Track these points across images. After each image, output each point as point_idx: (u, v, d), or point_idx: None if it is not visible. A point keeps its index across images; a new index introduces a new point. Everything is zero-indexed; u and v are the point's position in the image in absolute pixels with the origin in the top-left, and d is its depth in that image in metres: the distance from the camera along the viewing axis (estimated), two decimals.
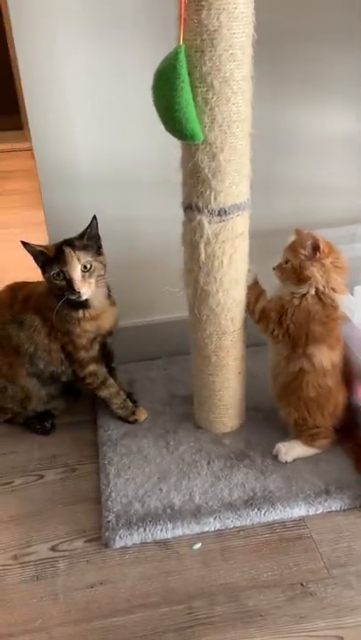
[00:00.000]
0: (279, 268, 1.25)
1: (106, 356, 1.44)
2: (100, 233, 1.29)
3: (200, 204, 1.11)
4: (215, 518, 1.17)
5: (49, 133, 1.37)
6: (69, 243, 1.24)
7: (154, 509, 1.19)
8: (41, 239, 1.36)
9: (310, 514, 1.19)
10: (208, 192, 1.09)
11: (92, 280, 1.25)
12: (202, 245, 1.15)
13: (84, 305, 1.29)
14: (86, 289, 1.24)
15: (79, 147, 1.40)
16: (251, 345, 1.33)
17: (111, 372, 1.46)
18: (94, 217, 1.26)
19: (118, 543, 1.14)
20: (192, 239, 1.16)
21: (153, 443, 1.38)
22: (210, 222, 1.12)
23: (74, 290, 1.22)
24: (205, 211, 1.11)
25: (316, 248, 1.18)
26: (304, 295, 1.21)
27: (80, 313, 1.30)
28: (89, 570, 1.11)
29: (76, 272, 1.22)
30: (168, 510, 1.19)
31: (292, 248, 1.22)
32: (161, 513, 1.18)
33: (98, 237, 1.28)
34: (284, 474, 1.26)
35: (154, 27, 1.27)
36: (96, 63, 1.32)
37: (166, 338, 1.64)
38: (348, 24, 1.37)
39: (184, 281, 1.25)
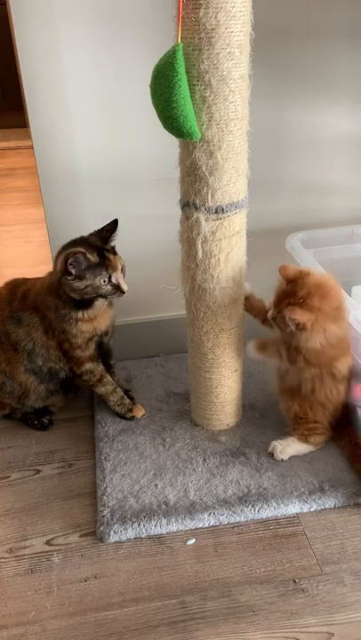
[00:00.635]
0: (273, 320, 1.21)
1: (104, 354, 1.45)
2: None
3: (197, 202, 1.12)
4: (210, 514, 1.18)
5: (49, 131, 1.38)
6: (103, 247, 1.27)
7: (149, 505, 1.20)
8: (43, 236, 1.37)
9: (304, 511, 1.20)
10: (205, 190, 1.10)
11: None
12: (199, 243, 1.15)
13: (87, 305, 1.30)
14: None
15: (79, 144, 1.40)
16: None
17: (109, 369, 1.47)
18: (116, 220, 1.30)
19: (113, 538, 1.15)
20: (189, 237, 1.17)
21: (149, 439, 1.38)
22: (207, 220, 1.13)
23: (122, 292, 1.28)
24: (203, 208, 1.12)
25: (298, 324, 1.13)
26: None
27: (80, 313, 1.30)
28: (83, 564, 1.12)
29: (122, 275, 1.29)
30: (163, 506, 1.20)
31: (279, 298, 1.18)
32: (156, 508, 1.19)
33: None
34: (278, 471, 1.27)
35: (155, 25, 1.28)
36: (96, 61, 1.32)
37: (164, 335, 1.65)
38: (352, 22, 1.38)
39: (181, 278, 1.25)
